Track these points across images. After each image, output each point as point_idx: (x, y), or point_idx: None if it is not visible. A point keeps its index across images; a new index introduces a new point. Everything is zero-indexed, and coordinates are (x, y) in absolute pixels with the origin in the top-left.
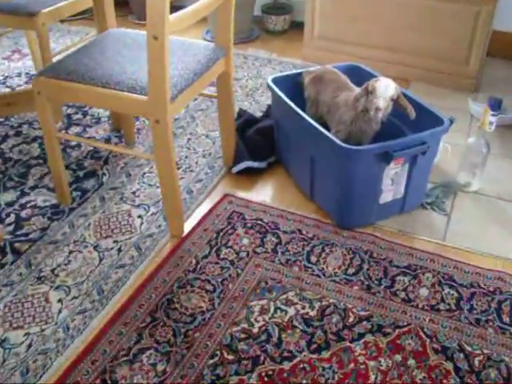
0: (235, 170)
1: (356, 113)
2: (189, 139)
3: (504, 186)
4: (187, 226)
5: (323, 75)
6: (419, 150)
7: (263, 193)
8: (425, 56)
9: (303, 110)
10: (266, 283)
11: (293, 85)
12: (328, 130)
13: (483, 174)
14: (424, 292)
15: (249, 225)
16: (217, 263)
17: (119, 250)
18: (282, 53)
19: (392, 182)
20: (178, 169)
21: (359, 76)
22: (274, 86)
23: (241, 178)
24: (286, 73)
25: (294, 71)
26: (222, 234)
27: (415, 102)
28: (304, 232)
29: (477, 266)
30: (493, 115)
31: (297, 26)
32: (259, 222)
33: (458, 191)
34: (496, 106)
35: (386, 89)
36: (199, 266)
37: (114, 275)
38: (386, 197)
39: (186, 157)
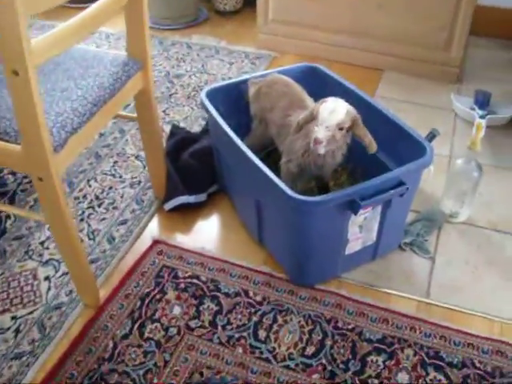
0: (167, 207)
1: (307, 143)
2: (115, 162)
3: (498, 211)
4: (106, 289)
5: (272, 87)
6: (395, 194)
7: (202, 236)
8: (399, 41)
9: (248, 129)
10: (201, 375)
11: (236, 96)
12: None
13: (474, 199)
14: (403, 378)
15: (182, 286)
16: (139, 346)
17: (17, 332)
18: (233, 39)
19: (360, 229)
20: (100, 205)
21: (319, 80)
22: (208, 104)
23: (175, 215)
24: (225, 82)
25: (236, 79)
26: (147, 300)
27: (390, 123)
28: (251, 293)
29: (469, 334)
30: (481, 117)
31: (251, 5)
32: (195, 280)
33: (443, 223)
34: (484, 102)
35: (330, 115)
36: (117, 352)
37: (7, 371)
38: (354, 246)
39: (110, 188)
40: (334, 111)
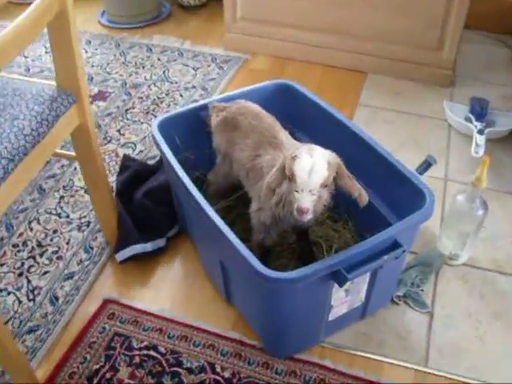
0: (119, 257)
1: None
2: (61, 198)
3: (504, 248)
4: (47, 367)
5: (237, 118)
6: (389, 259)
7: (161, 292)
8: (384, 40)
9: (213, 162)
10: None
11: (195, 123)
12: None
13: (476, 239)
14: None
15: (137, 360)
16: None
17: None
18: (198, 39)
19: (347, 293)
20: (42, 255)
21: (292, 100)
22: (160, 140)
23: (129, 266)
24: (180, 109)
25: (193, 105)
26: (96, 381)
27: (379, 157)
28: (218, 368)
29: None
30: (480, 131)
31: None
32: (152, 352)
33: (441, 267)
34: (482, 112)
35: (310, 176)
36: None
37: None
38: (339, 311)
39: (55, 231)
40: (314, 170)
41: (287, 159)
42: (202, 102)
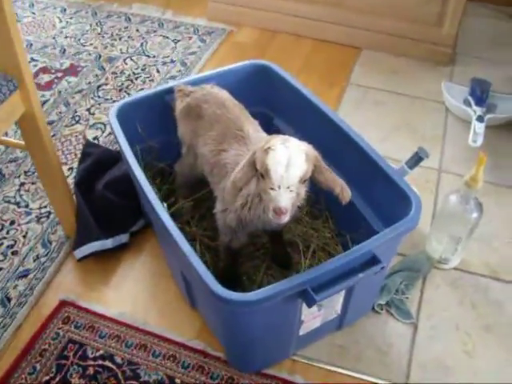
0: (78, 255)
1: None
2: (21, 185)
3: (500, 251)
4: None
5: (201, 106)
6: (366, 276)
7: (122, 293)
8: (380, 14)
9: (179, 151)
10: None
11: (160, 108)
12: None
13: (469, 242)
14: None
15: (90, 371)
16: None
17: None
18: (180, 8)
19: (319, 308)
20: None
21: (270, 84)
22: (117, 129)
23: (89, 264)
24: (141, 93)
25: (156, 89)
26: None
27: (364, 154)
28: (178, 382)
29: None
30: (479, 118)
31: None
32: (108, 363)
33: (429, 271)
34: (482, 96)
35: (287, 170)
36: None
37: None
38: (311, 325)
39: (12, 223)
40: (291, 164)
41: (258, 152)
42: (166, 86)
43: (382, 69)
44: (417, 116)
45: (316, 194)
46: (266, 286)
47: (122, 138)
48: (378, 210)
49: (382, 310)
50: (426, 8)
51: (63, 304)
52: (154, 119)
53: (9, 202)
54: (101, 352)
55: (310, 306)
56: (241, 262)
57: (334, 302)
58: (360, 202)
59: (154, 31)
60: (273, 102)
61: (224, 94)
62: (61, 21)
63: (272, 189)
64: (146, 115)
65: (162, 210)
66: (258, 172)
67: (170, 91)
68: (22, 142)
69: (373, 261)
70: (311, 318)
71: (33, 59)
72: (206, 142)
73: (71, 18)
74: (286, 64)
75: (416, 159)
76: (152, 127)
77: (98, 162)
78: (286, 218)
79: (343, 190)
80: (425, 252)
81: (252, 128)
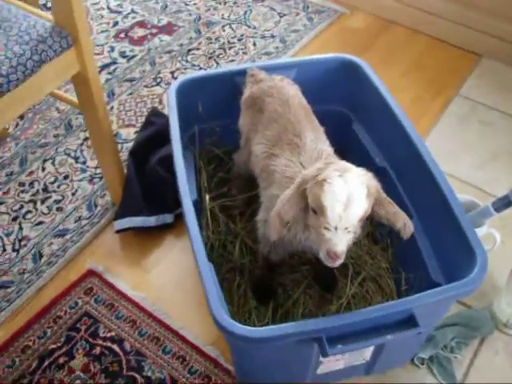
0: (117, 226)
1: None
2: (85, 140)
3: None
4: (4, 331)
5: (264, 99)
6: (397, 337)
7: (152, 277)
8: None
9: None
10: None
11: (228, 90)
12: None
13: None
14: None
15: (96, 351)
16: None
17: None
18: None
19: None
20: (44, 201)
21: (354, 84)
22: (173, 105)
23: (127, 238)
24: (209, 71)
25: (228, 69)
26: (47, 363)
27: (441, 198)
28: None
29: None
30: None
31: None
32: (116, 347)
33: (490, 333)
34: None
35: (346, 210)
36: None
37: None
38: (332, 367)
39: (66, 177)
40: (351, 201)
41: (310, 184)
42: (239, 67)
43: (501, 84)
44: None
45: None
46: (302, 305)
47: (174, 115)
48: (441, 255)
49: (422, 364)
50: None
51: (90, 273)
52: (221, 100)
53: (69, 154)
54: (112, 333)
55: (323, 356)
56: (280, 273)
57: (361, 351)
58: (422, 239)
59: (262, 0)
60: (355, 103)
61: (292, 90)
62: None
63: (326, 229)
64: (213, 95)
65: (190, 210)
66: (310, 206)
67: (242, 73)
68: (75, 100)
69: (410, 322)
70: (332, 360)
71: (133, 11)
72: (260, 140)
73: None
74: (392, 59)
75: (506, 203)
76: (217, 109)
77: (159, 134)
78: (340, 262)
79: (406, 226)
80: (491, 309)
81: (312, 136)
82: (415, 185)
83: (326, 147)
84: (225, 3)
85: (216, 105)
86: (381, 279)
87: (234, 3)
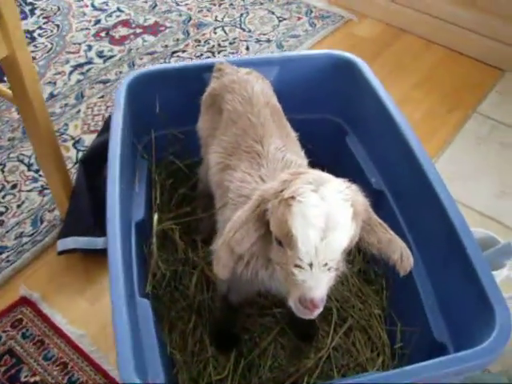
0: (59, 247)
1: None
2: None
3: None
4: None
5: (224, 96)
6: None
7: (94, 309)
8: None
9: None
10: None
11: (195, 88)
12: None
13: None
14: None
15: None
16: None
17: None
18: None
19: None
20: None
21: (350, 86)
22: (119, 106)
23: (73, 259)
24: (174, 64)
25: (194, 62)
26: None
27: (449, 229)
28: None
29: None
30: None
31: None
32: None
33: None
34: None
35: (325, 238)
36: None
37: None
38: None
39: (15, 186)
40: (330, 227)
41: (272, 203)
42: (206, 61)
43: None
44: None
45: None
46: (271, 357)
47: (119, 115)
48: (447, 307)
49: None
50: None
51: (22, 301)
52: (186, 101)
53: (22, 161)
54: (36, 378)
55: None
56: (246, 315)
57: None
58: (424, 284)
59: (261, 3)
60: (350, 112)
61: (258, 86)
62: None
63: (298, 266)
64: (176, 95)
65: (115, 236)
66: (273, 235)
67: (211, 68)
68: (9, 91)
69: None
70: None
71: (118, 9)
72: (216, 148)
73: None
74: (402, 70)
75: None
76: (181, 112)
77: None
78: (318, 312)
79: (403, 257)
80: (509, 374)
81: (279, 143)
82: (418, 214)
83: (297, 158)
84: (220, 4)
85: (180, 107)
86: (371, 330)
87: (231, 4)
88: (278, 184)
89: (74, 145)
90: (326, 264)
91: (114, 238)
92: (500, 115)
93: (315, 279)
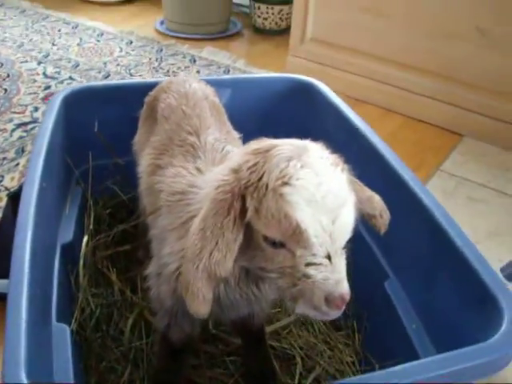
0: None
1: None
2: None
3: None
4: None
5: (160, 97)
6: None
7: None
8: (498, 93)
9: None
10: None
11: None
12: None
13: None
14: None
15: None
16: None
17: None
18: (257, 61)
19: None
20: None
21: (312, 109)
22: (46, 125)
23: None
24: (116, 82)
25: (139, 80)
26: None
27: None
28: None
29: None
30: None
31: None
32: None
33: None
34: None
35: (336, 217)
36: None
37: None
38: None
39: None
40: (339, 204)
41: (254, 198)
42: (151, 79)
43: (489, 162)
44: None
45: None
46: None
47: (47, 130)
48: (437, 326)
49: None
50: None
51: None
52: (131, 126)
53: None
54: None
55: None
56: (194, 366)
57: None
58: (407, 308)
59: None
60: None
61: (196, 83)
62: (121, 50)
63: (313, 264)
64: (119, 117)
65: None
66: (262, 237)
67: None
68: None
69: None
70: None
71: (71, 78)
72: (146, 152)
73: (133, 50)
74: None
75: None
76: (125, 137)
77: None
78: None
79: (382, 213)
80: None
81: (217, 135)
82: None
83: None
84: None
85: (123, 132)
86: (344, 377)
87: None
88: (245, 171)
89: (7, 195)
90: (342, 248)
91: (22, 260)
92: (464, 173)
93: (338, 271)
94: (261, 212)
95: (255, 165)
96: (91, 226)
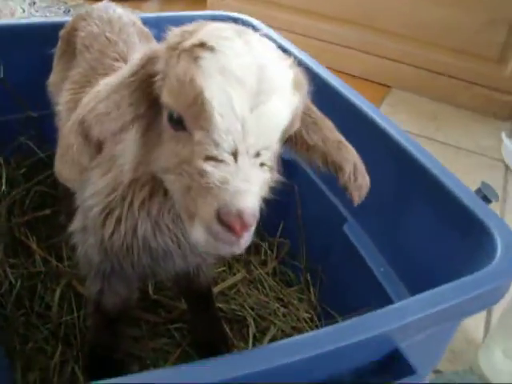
0: None
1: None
2: None
3: None
4: None
5: (78, 26)
6: None
7: None
8: (422, 41)
9: None
10: None
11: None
12: None
13: None
14: None
15: None
16: None
17: None
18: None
19: None
20: None
21: None
22: None
23: None
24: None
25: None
26: None
27: (406, 157)
28: None
29: None
30: None
31: None
32: None
33: None
34: None
35: (258, 104)
36: None
37: None
38: None
39: None
40: (265, 90)
41: (167, 60)
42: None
43: (418, 112)
44: (464, 170)
45: (292, 238)
46: None
47: None
48: (410, 266)
49: None
50: (486, 35)
51: None
52: (44, 71)
53: None
54: None
55: None
56: (135, 338)
57: None
58: (372, 250)
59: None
60: None
61: (120, 10)
62: (24, 11)
63: (213, 158)
64: (30, 64)
65: None
66: (165, 113)
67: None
68: None
69: (394, 362)
70: None
71: None
72: (65, 88)
73: (37, 11)
74: None
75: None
76: (38, 85)
77: None
78: (248, 238)
79: (357, 173)
80: (477, 369)
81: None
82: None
83: None
84: None
85: (36, 78)
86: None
87: None
88: (175, 37)
89: None
90: (258, 154)
91: None
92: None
93: (245, 177)
94: (169, 77)
95: (189, 32)
96: (3, 188)
